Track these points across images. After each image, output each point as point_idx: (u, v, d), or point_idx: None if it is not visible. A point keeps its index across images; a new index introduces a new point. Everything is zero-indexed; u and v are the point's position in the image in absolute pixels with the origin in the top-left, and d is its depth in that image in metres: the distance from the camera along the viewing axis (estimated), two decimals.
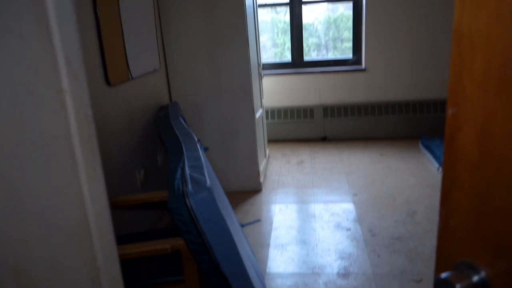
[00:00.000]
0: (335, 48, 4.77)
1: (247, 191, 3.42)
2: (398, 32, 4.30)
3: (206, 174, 1.52)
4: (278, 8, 4.70)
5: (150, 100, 2.88)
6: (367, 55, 4.41)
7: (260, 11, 4.67)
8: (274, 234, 2.73)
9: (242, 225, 2.84)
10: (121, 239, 1.89)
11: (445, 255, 0.68)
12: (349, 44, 4.65)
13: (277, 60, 4.78)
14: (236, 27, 3.05)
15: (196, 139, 1.97)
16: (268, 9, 4.71)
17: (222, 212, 1.50)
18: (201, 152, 1.77)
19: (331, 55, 4.76)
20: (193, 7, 3.06)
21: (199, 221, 1.39)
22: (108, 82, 2.24)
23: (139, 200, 1.97)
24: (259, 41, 3.67)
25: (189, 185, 1.44)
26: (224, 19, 3.05)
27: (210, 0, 3.03)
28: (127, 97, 2.51)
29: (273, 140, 4.67)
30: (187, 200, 1.38)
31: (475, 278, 0.61)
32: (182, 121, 2.48)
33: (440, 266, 0.69)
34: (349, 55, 4.66)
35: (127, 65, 2.47)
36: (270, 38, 4.77)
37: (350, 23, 4.58)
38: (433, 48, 4.31)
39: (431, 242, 2.51)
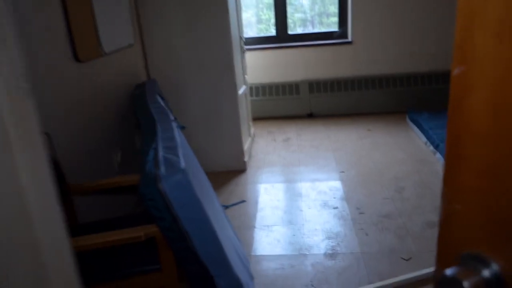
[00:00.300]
0: (321, 23, 4.61)
1: (231, 171, 3.31)
2: (385, 4, 4.15)
3: (180, 155, 1.40)
4: None
5: (126, 77, 2.72)
6: (353, 28, 4.26)
7: None
8: (259, 215, 2.64)
9: (226, 207, 2.74)
10: (94, 226, 1.77)
11: (448, 245, 0.57)
12: (336, 19, 4.49)
13: (262, 34, 4.60)
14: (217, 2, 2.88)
15: (172, 118, 1.83)
16: None
17: (200, 196, 1.39)
18: (176, 132, 1.64)
19: (317, 31, 4.60)
20: None
21: (173, 207, 1.28)
22: (77, 58, 2.08)
23: (113, 184, 1.84)
24: (241, 14, 3.49)
25: (162, 168, 1.31)
26: None
27: None
28: (100, 74, 2.34)
29: (258, 118, 4.54)
30: (159, 184, 1.26)
31: (486, 273, 0.51)
32: (160, 99, 2.33)
33: (442, 260, 0.58)
34: (335, 28, 4.50)
35: (98, 39, 2.29)
36: (255, 14, 4.58)
37: None
38: (421, 20, 4.18)
39: (420, 218, 2.45)
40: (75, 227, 1.77)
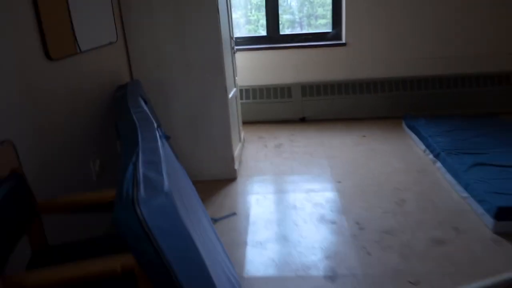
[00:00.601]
0: (309, 25, 4.44)
1: (220, 179, 3.09)
2: (380, 5, 3.99)
3: (164, 172, 1.18)
4: None
5: (106, 78, 2.48)
6: (347, 29, 4.09)
7: None
8: (251, 229, 2.43)
9: (215, 220, 2.52)
10: (65, 250, 1.54)
11: None
12: (324, 21, 4.33)
13: (252, 34, 4.39)
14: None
15: (155, 125, 1.61)
16: None
17: (186, 221, 1.17)
18: (160, 142, 1.42)
19: (309, 31, 4.42)
20: None
21: (155, 237, 1.06)
22: (48, 55, 1.84)
23: (89, 200, 1.61)
24: (231, 12, 3.28)
25: (141, 189, 1.09)
26: None
27: None
28: (75, 74, 2.11)
29: (248, 122, 4.33)
30: (137, 209, 1.04)
31: None
32: (143, 103, 2.10)
33: None
34: (327, 29, 4.32)
35: (74, 35, 2.06)
36: (244, 15, 4.37)
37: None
38: (417, 22, 4.03)
39: (425, 235, 2.27)
40: (43, 251, 1.54)
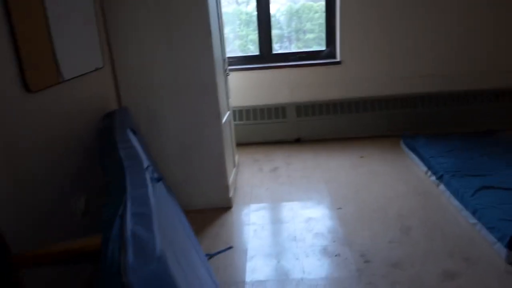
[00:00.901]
0: (298, 39, 4.35)
1: (214, 208, 2.94)
2: (376, 21, 3.92)
3: (155, 228, 1.03)
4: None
5: (92, 106, 2.33)
6: (342, 47, 4.00)
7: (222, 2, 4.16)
8: (249, 265, 2.27)
9: (211, 256, 2.36)
10: None
11: None
12: (312, 35, 4.25)
13: (242, 53, 4.29)
14: (196, 16, 2.55)
15: (145, 165, 1.47)
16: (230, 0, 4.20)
17: (183, 284, 1.02)
18: (150, 188, 1.27)
19: (294, 47, 4.33)
20: None
21: None
22: (27, 87, 1.69)
23: (72, 250, 1.45)
24: (223, 33, 3.17)
25: (130, 252, 0.94)
26: (181, 6, 2.53)
27: None
28: (58, 105, 1.96)
29: (242, 144, 4.19)
30: (125, 279, 0.89)
31: None
32: (131, 134, 1.96)
33: None
34: (317, 47, 4.24)
35: (56, 63, 1.92)
36: (232, 31, 4.28)
37: (312, 14, 4.18)
38: (413, 39, 3.96)
39: (435, 267, 2.13)
40: None
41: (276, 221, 2.72)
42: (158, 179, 1.42)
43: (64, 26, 2.01)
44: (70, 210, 2.02)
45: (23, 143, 1.66)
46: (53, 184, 1.86)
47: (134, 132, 2.09)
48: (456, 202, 2.68)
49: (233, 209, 2.93)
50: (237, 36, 4.32)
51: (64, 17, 2.02)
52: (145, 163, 1.50)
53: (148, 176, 1.37)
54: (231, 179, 3.06)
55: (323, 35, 4.16)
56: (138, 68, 2.67)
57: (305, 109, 4.14)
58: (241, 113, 4.14)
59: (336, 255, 2.30)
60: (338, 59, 4.07)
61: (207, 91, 2.70)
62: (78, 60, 2.16)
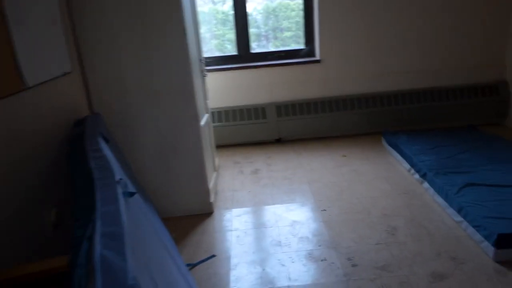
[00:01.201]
0: (275, 38, 4.28)
1: (195, 214, 2.83)
2: (355, 19, 3.87)
3: (127, 252, 0.93)
4: None
5: (61, 113, 2.19)
6: (321, 45, 3.95)
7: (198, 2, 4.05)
8: (234, 274, 2.18)
9: (192, 265, 2.26)
10: None
11: None
12: (290, 34, 4.19)
13: (220, 53, 4.18)
14: (170, 15, 2.43)
15: (117, 178, 1.36)
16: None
17: None
18: (122, 203, 1.17)
19: (272, 46, 4.26)
20: None
21: None
22: None
23: (37, 273, 1.33)
24: (199, 33, 3.06)
25: (98, 281, 0.84)
26: (155, 6, 2.42)
27: None
28: (23, 113, 1.82)
29: (222, 146, 4.09)
30: None
31: None
32: (103, 143, 1.84)
33: None
34: (295, 45, 4.17)
35: (18, 70, 1.78)
36: (209, 30, 4.17)
37: (289, 12, 4.12)
38: (394, 36, 3.94)
39: (424, 269, 2.09)
40: None
41: (259, 226, 2.64)
42: (131, 194, 1.32)
43: (26, 30, 1.87)
44: (41, 223, 1.88)
45: None
46: (21, 196, 1.73)
47: (107, 140, 1.97)
48: (440, 200, 2.65)
49: (215, 214, 2.83)
50: (214, 36, 4.21)
51: (26, 20, 1.88)
52: (117, 175, 1.39)
53: (120, 190, 1.26)
54: (211, 183, 2.96)
55: (301, 33, 4.10)
56: (110, 71, 2.54)
57: (285, 109, 4.06)
58: (220, 115, 4.04)
59: (322, 260, 2.23)
60: (317, 57, 4.02)
61: (184, 93, 2.59)
62: (43, 65, 2.02)
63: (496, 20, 3.94)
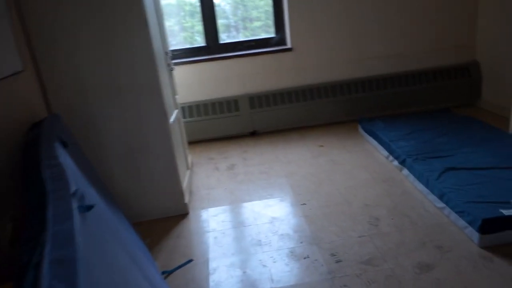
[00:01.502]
0: (245, 28, 4.14)
1: (169, 217, 2.69)
2: (325, 5, 3.76)
3: (79, 282, 0.79)
4: None
5: (14, 116, 1.99)
6: (292, 32, 3.83)
7: None
8: (213, 279, 2.05)
9: (169, 272, 2.12)
10: None
11: None
12: (259, 23, 4.06)
13: (189, 45, 4.01)
14: (130, 7, 2.25)
15: (72, 189, 1.20)
16: None
17: None
18: (77, 219, 1.02)
19: (241, 36, 4.11)
20: None
21: None
22: None
23: None
24: (163, 25, 2.88)
25: None
26: None
27: None
28: None
29: (195, 142, 3.94)
30: None
31: None
32: (60, 148, 1.66)
33: None
34: (265, 35, 4.04)
35: None
36: (177, 23, 3.99)
37: (258, 1, 3.98)
38: (365, 21, 3.85)
39: (409, 260, 2.02)
40: None
41: (237, 225, 2.52)
42: (89, 207, 1.17)
43: None
44: None
45: None
46: None
47: (65, 144, 1.80)
48: (421, 187, 2.60)
49: (190, 215, 2.69)
50: (182, 28, 4.03)
51: None
52: (74, 185, 1.24)
53: (75, 204, 1.11)
54: (185, 182, 2.82)
55: (271, 22, 3.97)
56: (68, 69, 2.34)
57: (258, 100, 3.94)
58: (190, 110, 3.88)
59: (305, 258, 2.13)
60: (288, 45, 3.90)
61: (150, 88, 2.42)
62: None
63: (464, 1, 3.91)
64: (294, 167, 3.22)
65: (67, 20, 2.25)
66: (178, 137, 2.90)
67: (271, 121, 4.01)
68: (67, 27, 2.26)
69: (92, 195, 1.60)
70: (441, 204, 2.37)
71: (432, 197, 2.46)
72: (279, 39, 3.97)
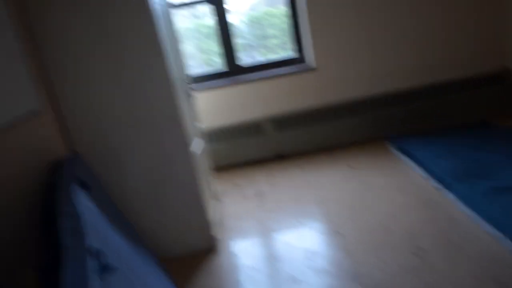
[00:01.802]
0: (264, 48, 4.05)
1: (197, 252, 2.55)
2: (347, 20, 3.63)
3: None
4: (198, 12, 3.89)
5: (30, 159, 1.91)
6: (316, 51, 3.69)
7: (180, 17, 3.81)
8: None
9: None
10: None
11: None
12: (276, 41, 3.97)
13: (208, 68, 3.93)
14: (145, 37, 2.17)
15: (89, 245, 1.08)
16: (186, 12, 3.85)
17: None
18: (94, 284, 0.89)
19: (259, 55, 4.01)
20: (81, 16, 2.12)
21: None
22: None
23: None
24: (180, 51, 2.80)
25: None
26: (130, 31, 2.16)
27: (100, 6, 2.11)
28: None
29: (220, 168, 3.82)
30: None
31: None
32: (79, 193, 1.56)
33: None
34: (285, 53, 3.93)
35: None
36: (195, 46, 3.93)
37: (275, 20, 3.92)
38: (391, 31, 3.69)
39: None
40: None
41: (270, 259, 2.35)
42: (105, 267, 1.04)
43: None
44: (15, 286, 1.59)
45: None
46: None
47: (87, 187, 1.69)
48: (468, 211, 2.38)
49: (219, 249, 2.54)
50: (201, 51, 3.97)
51: None
52: (91, 241, 1.11)
53: (93, 262, 0.98)
54: (211, 214, 2.68)
55: (289, 40, 3.86)
56: (86, 105, 2.26)
57: (283, 122, 3.80)
58: (213, 135, 3.77)
59: None
60: (311, 64, 3.76)
61: (169, 119, 2.32)
62: (5, 105, 1.74)
63: (490, 6, 3.70)
64: (326, 192, 3.05)
65: (85, 56, 2.18)
66: (202, 166, 2.78)
67: (297, 143, 3.85)
68: (84, 63, 2.19)
69: (115, 242, 1.48)
70: (493, 231, 2.14)
71: (483, 223, 2.24)
72: (301, 59, 3.84)
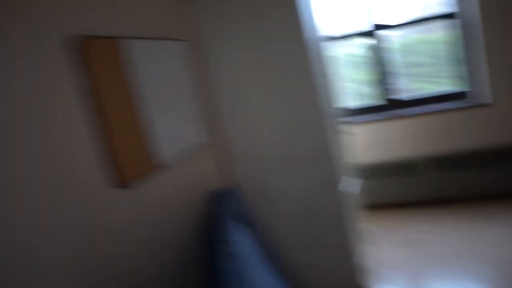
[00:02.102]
0: (429, 77, 3.67)
1: None
2: None
3: None
4: (353, 43, 3.77)
5: (194, 188, 2.04)
6: (493, 85, 3.21)
7: (335, 48, 3.77)
8: None
9: None
10: None
11: None
12: (430, 70, 3.57)
13: (362, 103, 3.77)
14: (299, 68, 2.18)
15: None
16: (342, 44, 3.78)
17: None
18: None
19: (436, 91, 3.64)
20: (250, 55, 2.24)
21: None
22: (123, 181, 1.47)
23: None
24: (331, 84, 2.71)
25: None
26: (282, 60, 2.20)
27: (261, 44, 2.20)
28: (156, 197, 1.70)
29: (373, 207, 3.58)
30: None
31: None
32: (240, 231, 1.59)
33: None
34: (451, 86, 3.50)
35: (152, 152, 1.69)
36: (347, 75, 3.81)
37: (435, 47, 3.51)
38: None
39: None
40: None
41: None
42: None
43: (162, 112, 1.80)
44: None
45: (116, 247, 1.40)
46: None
47: (250, 223, 1.72)
48: None
49: None
50: (354, 82, 3.84)
51: (163, 102, 1.82)
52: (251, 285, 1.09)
53: None
54: (358, 258, 2.49)
55: (456, 71, 3.44)
56: (244, 139, 2.36)
57: (447, 162, 3.38)
58: (366, 172, 3.57)
59: None
60: (488, 100, 3.27)
61: (319, 154, 2.26)
62: (178, 144, 1.91)
63: None
64: (504, 253, 2.55)
65: (250, 94, 2.29)
66: (351, 206, 2.62)
67: (463, 187, 3.38)
68: (250, 100, 2.29)
69: (264, 280, 1.45)
70: None
71: None
72: (473, 92, 3.39)
